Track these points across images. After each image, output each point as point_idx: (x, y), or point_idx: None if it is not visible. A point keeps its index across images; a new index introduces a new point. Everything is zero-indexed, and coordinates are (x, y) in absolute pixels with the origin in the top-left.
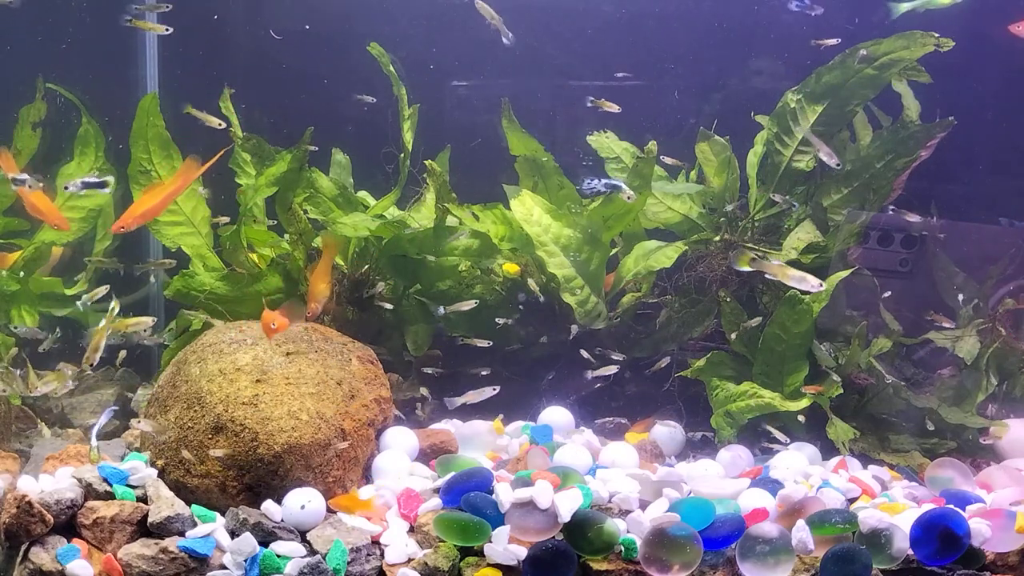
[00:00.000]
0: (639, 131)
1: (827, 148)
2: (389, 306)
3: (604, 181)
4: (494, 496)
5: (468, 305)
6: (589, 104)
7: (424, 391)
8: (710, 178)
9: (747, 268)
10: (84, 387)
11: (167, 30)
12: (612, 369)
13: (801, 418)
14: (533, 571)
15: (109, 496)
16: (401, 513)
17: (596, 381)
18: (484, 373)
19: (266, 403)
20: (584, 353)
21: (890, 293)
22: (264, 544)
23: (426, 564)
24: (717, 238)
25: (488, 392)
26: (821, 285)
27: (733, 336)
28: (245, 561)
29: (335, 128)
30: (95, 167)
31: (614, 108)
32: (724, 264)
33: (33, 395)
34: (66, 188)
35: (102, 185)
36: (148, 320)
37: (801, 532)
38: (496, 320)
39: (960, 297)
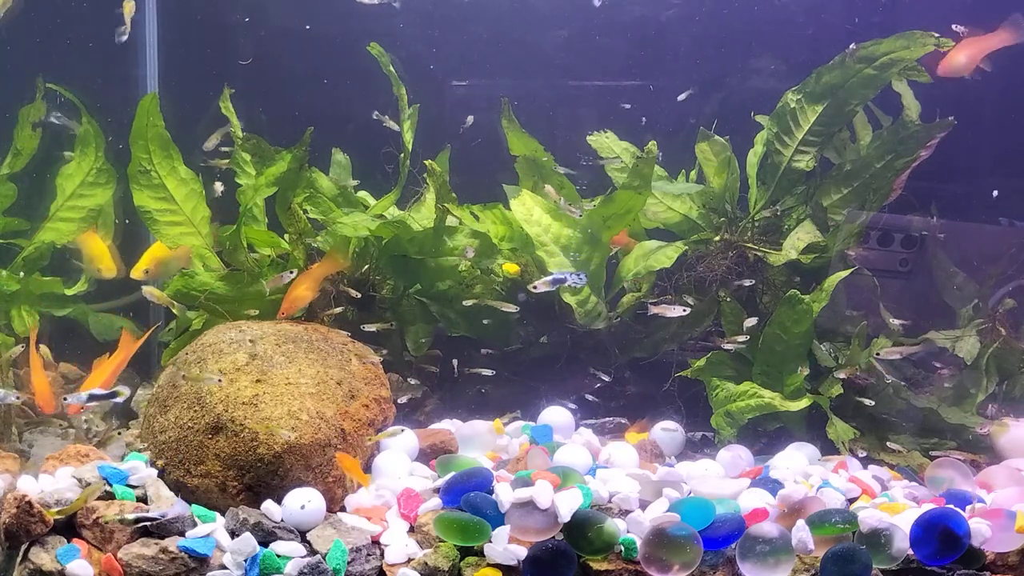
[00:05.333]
0: (639, 131)
1: None
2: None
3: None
4: (494, 496)
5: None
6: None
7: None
8: (710, 178)
9: None
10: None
11: None
12: (675, 309)
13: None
14: (533, 571)
15: (109, 496)
16: (401, 513)
17: (596, 381)
18: (487, 374)
19: (266, 403)
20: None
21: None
22: (264, 544)
23: (426, 564)
24: (717, 238)
25: (398, 429)
26: None
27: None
28: (245, 561)
29: (335, 128)
30: (95, 167)
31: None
32: (724, 264)
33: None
34: (66, 399)
35: (112, 396)
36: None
37: (801, 532)
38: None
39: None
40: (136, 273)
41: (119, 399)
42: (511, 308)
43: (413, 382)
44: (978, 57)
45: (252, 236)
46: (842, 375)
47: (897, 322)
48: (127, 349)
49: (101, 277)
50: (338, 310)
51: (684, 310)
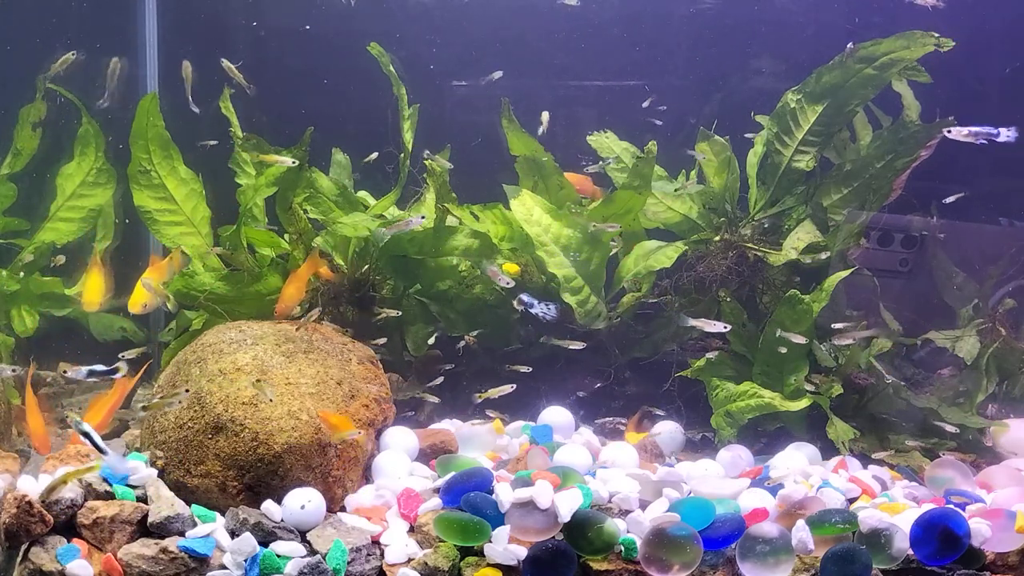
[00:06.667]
0: (639, 131)
1: None
2: (395, 312)
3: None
4: (494, 496)
5: None
6: None
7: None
8: (710, 178)
9: None
10: (84, 387)
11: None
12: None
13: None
14: (533, 571)
15: (109, 496)
16: (401, 513)
17: (596, 381)
18: (524, 370)
19: (266, 403)
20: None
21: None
22: (264, 544)
23: (426, 564)
24: (717, 238)
25: (507, 389)
26: None
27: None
28: (245, 561)
29: (335, 128)
30: (95, 167)
31: None
32: (724, 264)
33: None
34: (65, 373)
35: (113, 372)
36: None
37: (801, 532)
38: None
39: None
40: (134, 308)
41: (119, 375)
42: (577, 346)
43: (432, 399)
44: None
45: (252, 236)
46: (810, 387)
47: (838, 326)
48: (122, 388)
49: (81, 306)
50: (395, 313)
51: (726, 327)
